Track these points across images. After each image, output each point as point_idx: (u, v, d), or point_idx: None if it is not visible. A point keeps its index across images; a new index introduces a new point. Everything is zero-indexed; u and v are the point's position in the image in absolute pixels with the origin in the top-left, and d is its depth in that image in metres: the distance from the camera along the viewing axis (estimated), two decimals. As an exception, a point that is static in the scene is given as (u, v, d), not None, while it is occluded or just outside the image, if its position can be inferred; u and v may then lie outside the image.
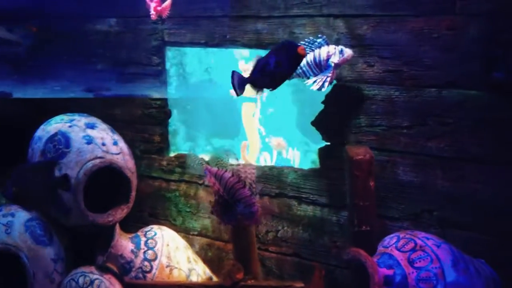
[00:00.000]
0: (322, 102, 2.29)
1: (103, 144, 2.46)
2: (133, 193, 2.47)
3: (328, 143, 2.31)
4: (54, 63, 2.92)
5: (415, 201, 2.15)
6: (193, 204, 2.66)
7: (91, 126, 2.50)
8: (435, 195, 2.11)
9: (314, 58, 2.09)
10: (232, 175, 1.94)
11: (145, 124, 2.72)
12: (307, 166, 2.46)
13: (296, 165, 2.60)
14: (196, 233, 2.68)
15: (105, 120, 2.63)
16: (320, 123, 2.31)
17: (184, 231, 2.70)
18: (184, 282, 2.34)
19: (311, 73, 2.10)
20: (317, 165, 2.40)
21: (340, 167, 2.28)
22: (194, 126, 2.83)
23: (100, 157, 2.42)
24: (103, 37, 2.74)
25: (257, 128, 2.60)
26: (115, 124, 2.64)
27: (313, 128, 2.36)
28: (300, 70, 2.12)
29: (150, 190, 2.77)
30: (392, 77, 2.13)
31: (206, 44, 2.48)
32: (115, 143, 2.50)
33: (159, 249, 2.44)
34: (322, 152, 2.33)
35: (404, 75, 2.11)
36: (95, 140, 2.45)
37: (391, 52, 2.12)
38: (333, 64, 2.07)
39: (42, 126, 2.56)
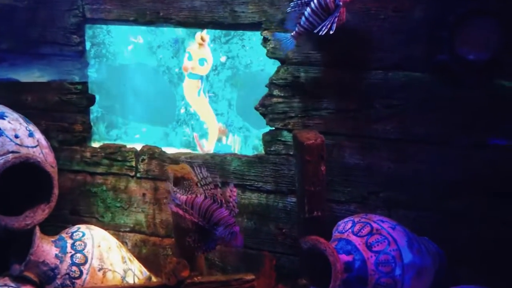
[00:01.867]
0: (266, 86, 2.14)
1: (16, 137, 2.07)
2: (56, 191, 2.11)
3: (273, 128, 2.18)
4: None
5: (361, 184, 2.11)
6: (124, 198, 2.37)
7: (0, 116, 2.10)
8: (381, 176, 2.09)
9: (320, 3, 1.88)
10: (205, 198, 1.69)
11: (63, 112, 2.36)
12: (248, 152, 2.31)
13: (237, 151, 2.43)
14: (128, 229, 2.40)
15: (14, 108, 2.22)
16: (264, 107, 2.16)
17: (114, 228, 2.41)
18: (121, 286, 2.07)
19: (319, 21, 1.89)
20: (259, 151, 2.27)
21: (286, 152, 2.17)
22: (120, 112, 2.52)
23: (13, 152, 2.04)
24: (9, 12, 2.31)
25: (209, 107, 2.36)
26: (26, 113, 2.24)
27: (255, 113, 2.21)
28: (307, 22, 1.91)
29: (71, 185, 2.42)
30: (340, 59, 2.05)
31: (136, 22, 2.20)
32: (31, 135, 2.12)
33: (89, 251, 2.13)
34: (266, 138, 2.19)
35: (352, 57, 2.04)
36: (6, 132, 2.05)
37: (339, 32, 2.03)
38: (341, 3, 1.85)
39: None
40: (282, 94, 2.13)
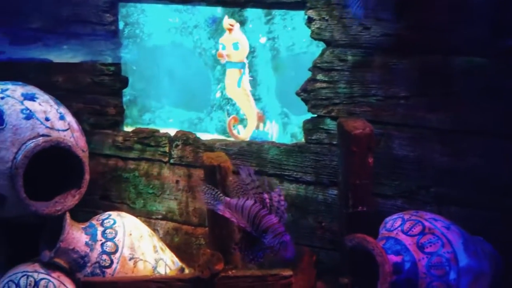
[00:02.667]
0: (310, 69, 1.98)
1: (47, 119, 1.97)
2: (87, 176, 2.01)
3: (315, 115, 2.02)
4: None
5: (410, 177, 1.94)
6: (157, 185, 2.26)
7: (30, 97, 1.99)
8: (432, 170, 1.90)
9: None
10: (255, 202, 1.52)
11: (95, 94, 2.25)
12: (286, 140, 2.16)
13: (274, 139, 2.28)
14: (160, 217, 2.29)
15: (44, 89, 2.12)
16: (306, 92, 2.00)
17: (146, 215, 2.30)
18: (153, 277, 1.97)
19: None
20: (298, 139, 2.11)
21: (328, 141, 2.00)
22: (154, 95, 2.39)
23: (43, 135, 1.94)
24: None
25: (249, 96, 2.20)
26: (57, 94, 2.14)
27: (296, 98, 2.05)
28: None
29: (102, 170, 2.32)
30: (390, 41, 1.86)
31: (172, 0, 2.05)
32: (62, 118, 2.02)
33: (120, 239, 2.03)
34: (307, 125, 2.03)
35: (404, 39, 1.85)
36: (36, 115, 1.95)
37: (390, 13, 1.84)
38: None
39: (-37, 98, 2.02)
40: (327, 79, 1.96)
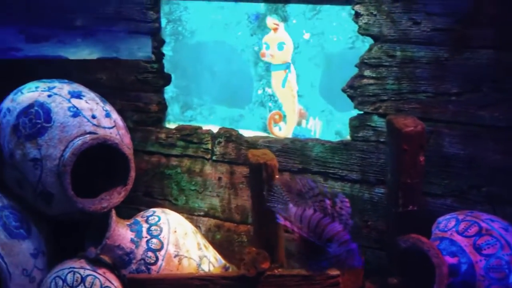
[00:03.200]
0: (356, 65, 1.92)
1: (93, 117, 1.97)
2: (133, 173, 2.01)
3: (361, 112, 1.96)
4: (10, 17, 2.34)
5: (461, 176, 1.86)
6: (199, 182, 2.25)
7: (77, 95, 2.00)
8: (485, 169, 1.83)
9: None
10: (315, 211, 1.47)
11: (139, 91, 2.24)
12: (330, 137, 2.10)
13: (317, 136, 2.23)
14: (202, 213, 2.28)
15: (88, 87, 2.11)
16: (352, 89, 1.95)
17: (188, 212, 2.29)
18: (197, 274, 1.95)
19: None
20: (342, 136, 2.06)
21: (376, 139, 1.95)
22: (196, 92, 2.37)
23: (90, 132, 1.94)
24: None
25: (294, 95, 2.16)
26: (100, 92, 2.13)
27: (340, 95, 2.00)
28: None
29: (145, 166, 2.32)
30: (441, 36, 1.79)
31: (218, -3, 2.03)
32: (108, 115, 2.02)
33: (165, 236, 2.02)
34: (353, 122, 1.98)
35: (456, 34, 1.78)
36: (83, 112, 1.95)
37: (440, 7, 1.77)
38: None
39: (10, 96, 2.03)
40: (374, 75, 1.90)
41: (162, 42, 2.18)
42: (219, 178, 2.23)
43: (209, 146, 2.22)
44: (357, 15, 1.88)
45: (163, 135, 2.26)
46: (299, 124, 2.21)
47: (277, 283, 1.85)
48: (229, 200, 2.23)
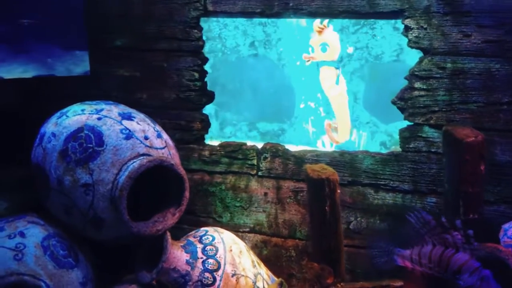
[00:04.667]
0: (406, 78, 1.92)
1: (146, 138, 1.89)
2: (187, 194, 1.94)
3: (411, 123, 1.96)
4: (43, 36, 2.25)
5: (513, 183, 1.89)
6: (244, 198, 2.20)
7: (128, 117, 1.92)
8: (537, 175, 1.85)
9: None
10: (434, 245, 1.41)
11: (180, 110, 2.18)
12: (375, 148, 2.09)
13: (361, 148, 2.22)
14: (247, 229, 2.23)
15: (129, 106, 2.05)
16: (403, 100, 1.94)
17: (233, 229, 2.23)
18: (256, 292, 1.90)
19: None
20: (387, 147, 2.05)
21: (427, 149, 1.94)
22: (235, 108, 2.32)
23: (143, 154, 1.87)
24: (124, 8, 2.12)
25: (345, 101, 2.12)
26: (141, 111, 2.08)
27: (384, 107, 1.99)
28: None
29: (188, 184, 2.25)
30: (492, 48, 1.81)
31: (262, 14, 1.98)
32: (159, 136, 1.95)
33: (222, 256, 1.96)
34: (404, 133, 1.97)
35: (506, 45, 1.80)
36: (136, 134, 1.87)
37: (491, 19, 1.79)
38: None
39: (52, 120, 1.93)
40: (425, 87, 1.90)
41: (205, 60, 2.14)
42: (265, 194, 2.19)
43: (255, 162, 2.17)
44: (407, 29, 1.88)
45: (206, 153, 2.21)
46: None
47: (340, 297, 1.84)
48: (276, 215, 2.19)
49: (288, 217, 2.18)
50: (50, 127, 1.96)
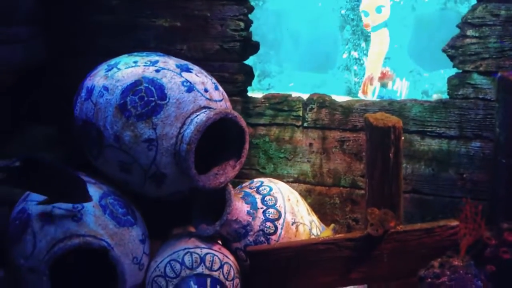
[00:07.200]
0: (458, 26, 1.90)
1: (205, 90, 1.77)
2: (247, 146, 1.85)
3: (460, 71, 1.96)
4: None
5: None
6: (288, 149, 2.15)
7: (186, 69, 1.78)
8: None
9: None
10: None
11: (223, 61, 2.05)
12: (416, 96, 2.09)
13: (403, 97, 2.21)
14: (291, 180, 2.19)
15: (167, 57, 1.90)
16: (454, 48, 1.93)
17: (276, 179, 2.19)
18: (322, 239, 1.88)
19: None
20: (429, 95, 2.06)
21: (475, 96, 1.96)
22: (275, 60, 2.21)
23: (205, 107, 1.75)
24: None
25: (384, 57, 2.08)
26: (182, 63, 1.93)
27: (429, 55, 1.98)
28: None
29: (231, 137, 2.17)
30: (544, -6, 1.82)
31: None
32: (216, 88, 1.83)
33: (281, 205, 1.92)
34: (453, 81, 1.97)
35: (558, -8, 1.81)
36: (196, 86, 1.74)
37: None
38: None
39: (100, 73, 1.76)
40: (477, 34, 1.89)
41: (251, 9, 2.00)
42: (310, 144, 2.15)
43: (300, 113, 2.11)
44: (462, -24, 1.86)
45: (250, 105, 2.11)
46: (385, 85, 2.17)
47: (400, 238, 1.85)
48: (321, 165, 2.17)
49: (333, 166, 2.16)
50: (99, 80, 1.77)
